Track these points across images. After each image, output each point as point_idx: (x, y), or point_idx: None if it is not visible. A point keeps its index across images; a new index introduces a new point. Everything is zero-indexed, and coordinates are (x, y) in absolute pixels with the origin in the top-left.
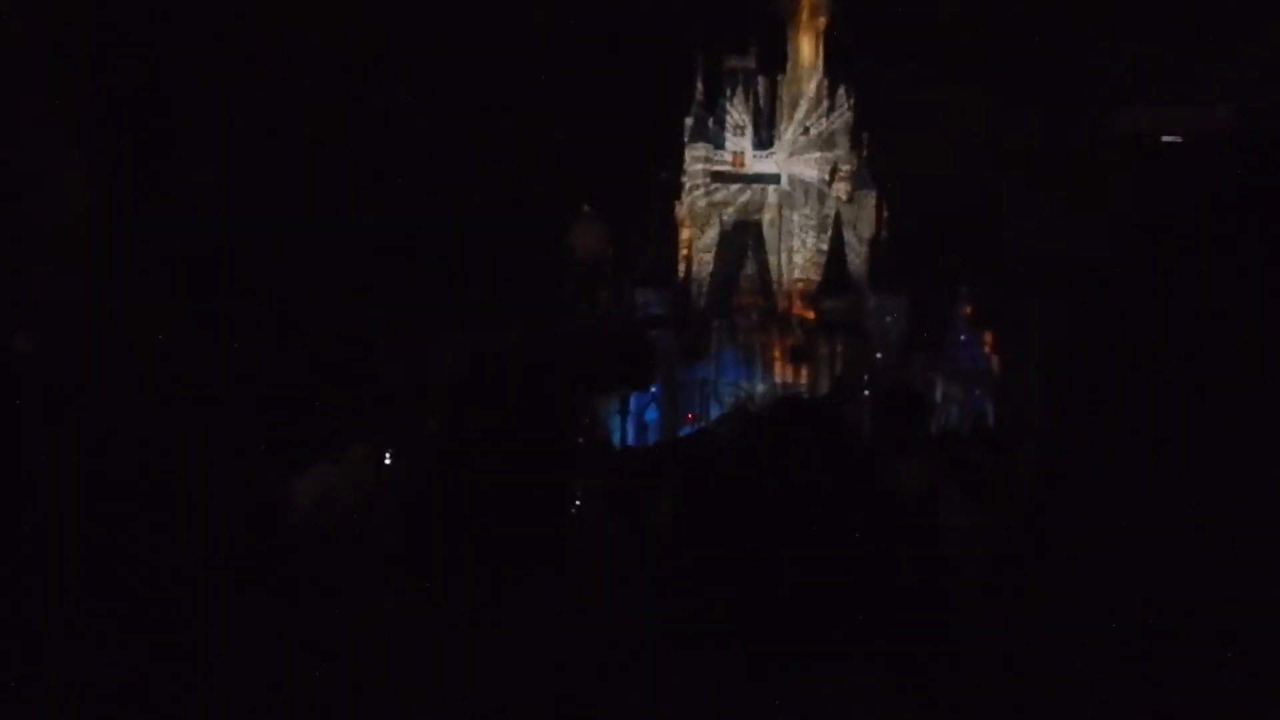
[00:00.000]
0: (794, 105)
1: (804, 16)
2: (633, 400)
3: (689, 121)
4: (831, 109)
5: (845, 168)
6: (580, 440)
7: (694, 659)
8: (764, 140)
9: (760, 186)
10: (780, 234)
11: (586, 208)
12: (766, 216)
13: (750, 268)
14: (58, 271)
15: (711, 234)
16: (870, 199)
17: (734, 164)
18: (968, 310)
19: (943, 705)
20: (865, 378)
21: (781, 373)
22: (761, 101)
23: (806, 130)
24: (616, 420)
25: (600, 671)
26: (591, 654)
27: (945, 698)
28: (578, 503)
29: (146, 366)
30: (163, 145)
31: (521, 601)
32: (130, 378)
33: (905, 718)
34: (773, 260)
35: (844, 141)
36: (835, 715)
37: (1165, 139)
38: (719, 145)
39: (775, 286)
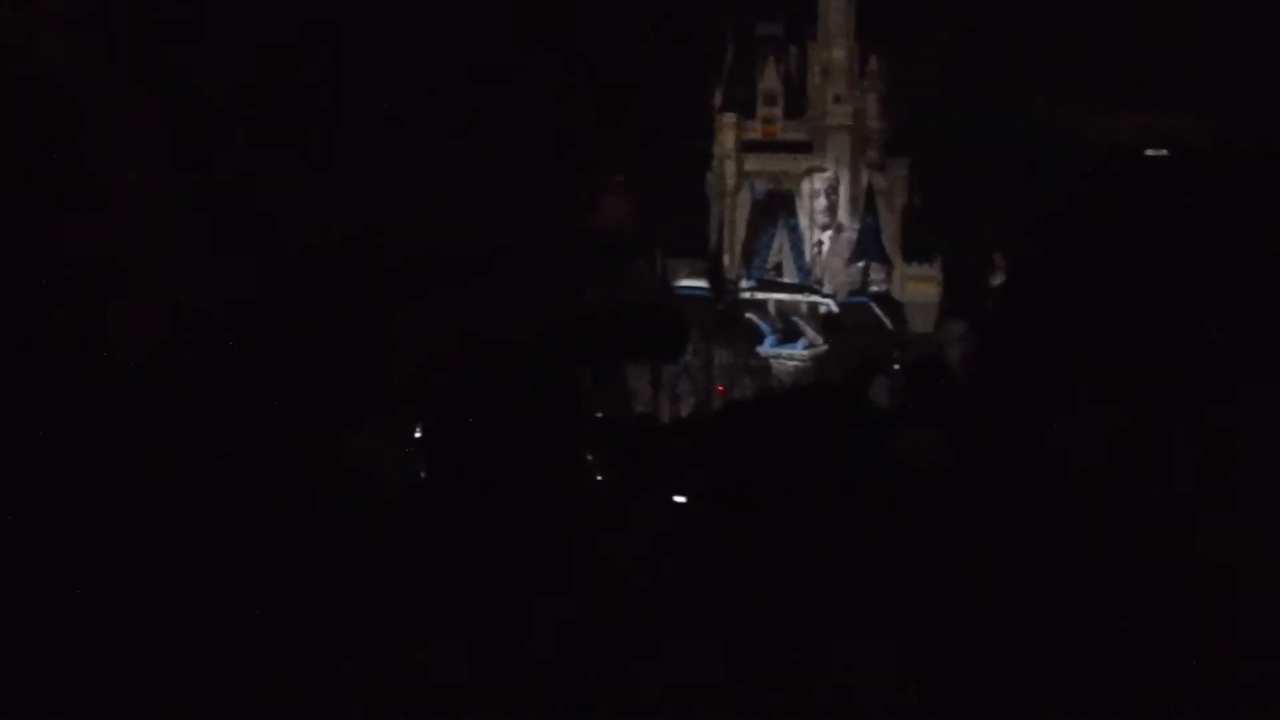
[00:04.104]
0: (825, 72)
1: None
2: (664, 372)
3: (719, 90)
4: (864, 76)
5: (877, 135)
6: (602, 415)
7: (719, 634)
8: (796, 108)
9: (792, 155)
10: (812, 203)
11: (617, 178)
12: (798, 185)
13: (782, 237)
14: (119, 257)
15: (743, 203)
16: (903, 167)
17: (765, 132)
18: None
19: (962, 683)
20: (896, 351)
21: (812, 344)
22: (793, 69)
23: (838, 98)
24: (647, 393)
25: (624, 647)
26: (615, 629)
27: (966, 676)
28: (599, 478)
29: (186, 344)
30: (218, 131)
31: (542, 579)
32: (170, 357)
33: (925, 695)
34: (805, 229)
35: (876, 109)
36: (856, 691)
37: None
38: (750, 114)
39: (807, 256)
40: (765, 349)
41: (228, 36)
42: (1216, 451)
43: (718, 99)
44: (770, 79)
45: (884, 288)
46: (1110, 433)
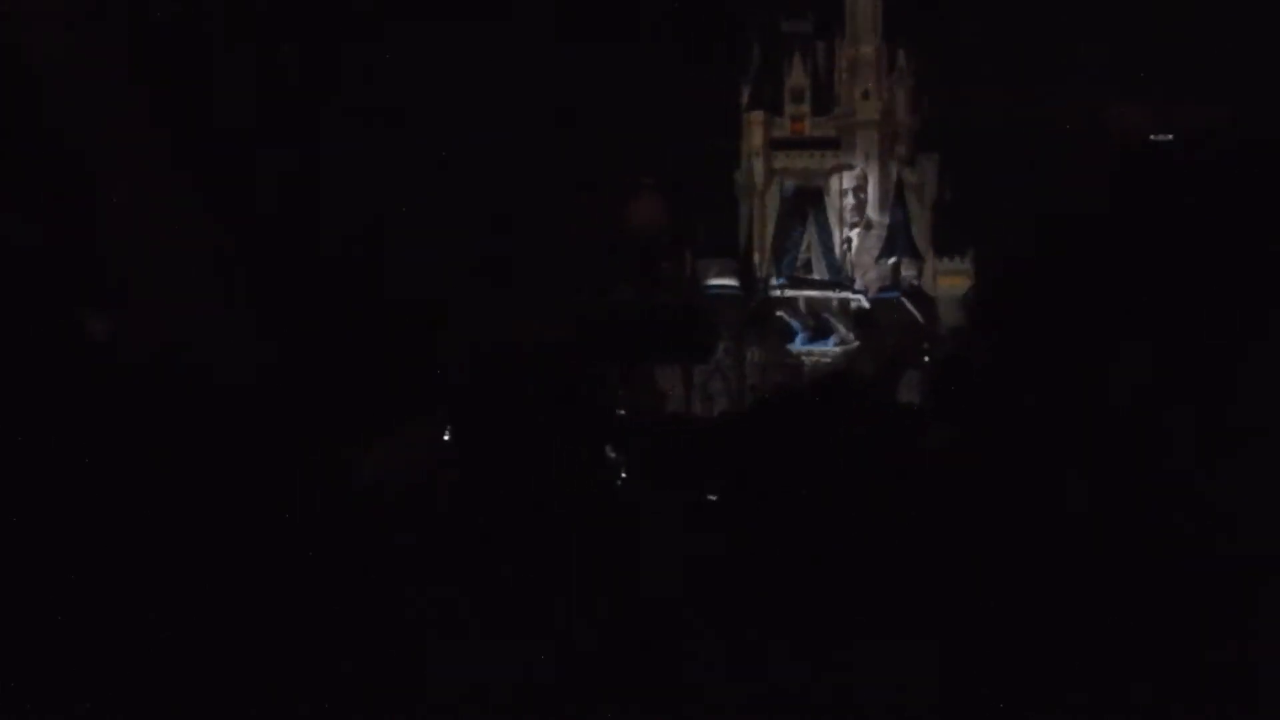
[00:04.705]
0: (853, 69)
1: None
2: (696, 371)
3: (747, 88)
4: (892, 71)
5: (906, 131)
6: (633, 414)
7: (740, 630)
8: (823, 105)
9: (820, 152)
10: (841, 199)
11: (646, 179)
12: (827, 182)
13: (811, 234)
14: (137, 251)
15: (771, 201)
16: (932, 162)
17: (793, 130)
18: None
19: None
20: (926, 345)
21: (844, 340)
22: (820, 66)
23: (866, 94)
24: (679, 392)
25: (647, 641)
26: (637, 623)
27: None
28: (623, 475)
29: (215, 346)
30: (235, 126)
31: (567, 573)
32: (197, 358)
33: (943, 685)
34: (834, 226)
35: (905, 104)
36: (877, 684)
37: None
38: (778, 111)
39: (837, 252)
40: (797, 346)
41: (273, 37)
42: (1243, 446)
43: (745, 97)
44: (798, 76)
45: (915, 283)
46: (1135, 423)
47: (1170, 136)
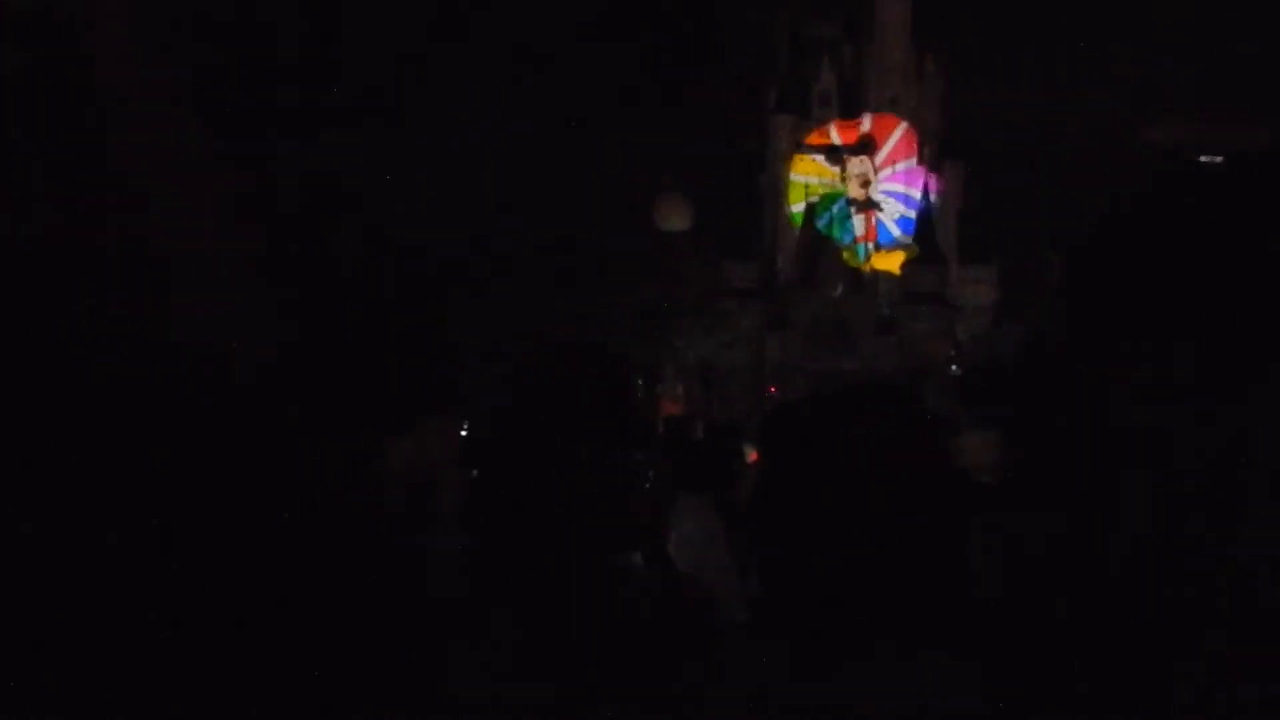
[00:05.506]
0: (881, 74)
1: None
2: (715, 374)
3: (774, 91)
4: (920, 77)
5: (933, 137)
6: (655, 416)
7: (770, 638)
8: (850, 110)
9: (846, 157)
10: (865, 204)
11: (669, 179)
12: (852, 186)
13: (835, 239)
14: (145, 240)
15: (797, 205)
16: (958, 169)
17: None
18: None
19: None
20: (953, 351)
21: (867, 346)
22: (848, 70)
23: (894, 99)
24: (699, 393)
25: (673, 651)
26: (662, 632)
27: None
28: (651, 477)
29: (226, 342)
30: (257, 118)
31: (594, 580)
32: (209, 354)
33: (973, 700)
34: (857, 231)
35: (932, 110)
36: (908, 696)
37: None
38: (804, 115)
39: (861, 256)
40: (819, 350)
41: (278, 27)
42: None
43: (772, 100)
44: (825, 80)
45: (939, 289)
46: (1168, 435)
47: (1219, 159)
